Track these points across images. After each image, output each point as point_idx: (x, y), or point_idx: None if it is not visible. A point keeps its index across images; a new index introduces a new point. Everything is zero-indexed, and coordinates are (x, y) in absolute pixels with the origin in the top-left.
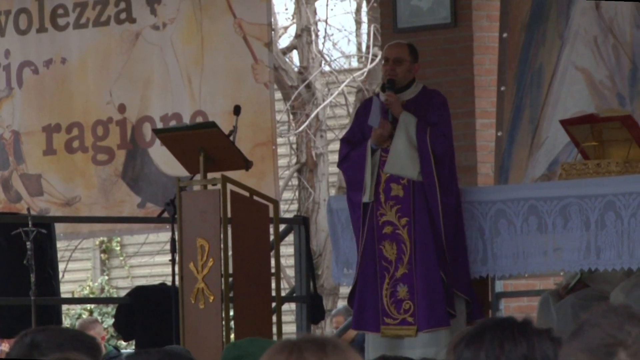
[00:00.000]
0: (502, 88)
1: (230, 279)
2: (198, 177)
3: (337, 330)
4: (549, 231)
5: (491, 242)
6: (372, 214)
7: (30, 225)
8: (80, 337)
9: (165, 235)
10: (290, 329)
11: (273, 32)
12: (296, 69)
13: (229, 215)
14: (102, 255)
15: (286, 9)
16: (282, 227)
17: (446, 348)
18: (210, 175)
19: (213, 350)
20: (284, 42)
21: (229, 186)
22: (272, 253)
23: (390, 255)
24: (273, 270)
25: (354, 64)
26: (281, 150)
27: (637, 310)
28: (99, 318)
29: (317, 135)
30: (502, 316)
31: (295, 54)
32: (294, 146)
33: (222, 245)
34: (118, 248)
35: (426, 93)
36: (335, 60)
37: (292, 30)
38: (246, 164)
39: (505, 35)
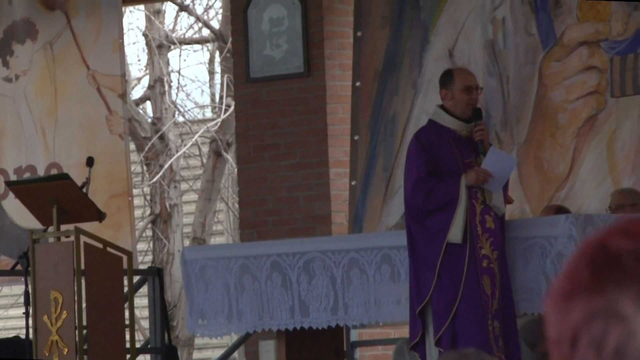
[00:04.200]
0: (356, 137)
1: (85, 331)
2: (51, 229)
3: None
4: (402, 280)
5: (342, 291)
6: (472, 247)
7: None
8: None
9: (19, 288)
10: None
11: (126, 83)
12: (149, 120)
13: (83, 267)
14: None
15: (139, 60)
16: (136, 278)
17: None
18: (64, 227)
19: None
20: (137, 93)
21: (83, 238)
22: (126, 304)
23: (488, 289)
24: (127, 322)
25: (208, 114)
26: (135, 201)
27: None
28: None
29: (171, 186)
30: None
31: (148, 105)
32: (148, 197)
33: (76, 297)
34: None
35: None
36: (188, 110)
37: (145, 81)
38: (99, 216)
39: (358, 84)
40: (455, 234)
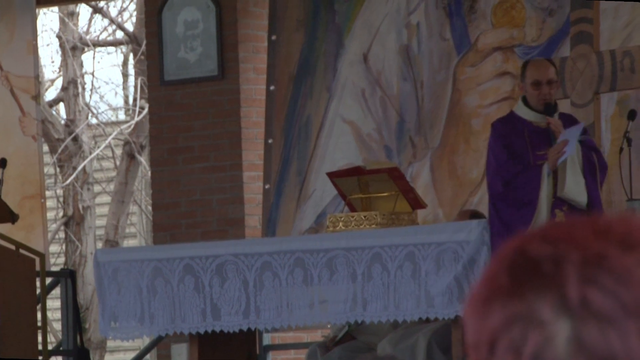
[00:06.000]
0: (270, 140)
1: None
2: None
3: None
4: (314, 283)
5: (255, 294)
6: None
7: None
8: None
9: None
10: None
11: (40, 85)
12: (63, 122)
13: None
14: None
15: (53, 62)
16: (48, 280)
17: None
18: None
19: None
20: (50, 94)
21: None
22: (38, 306)
23: None
24: (40, 324)
25: (121, 116)
26: (48, 203)
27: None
28: None
29: (84, 188)
30: None
31: (62, 107)
32: (61, 199)
33: None
34: None
35: (565, 117)
36: (102, 112)
37: (59, 83)
38: (12, 217)
39: (272, 87)
40: (539, 217)
